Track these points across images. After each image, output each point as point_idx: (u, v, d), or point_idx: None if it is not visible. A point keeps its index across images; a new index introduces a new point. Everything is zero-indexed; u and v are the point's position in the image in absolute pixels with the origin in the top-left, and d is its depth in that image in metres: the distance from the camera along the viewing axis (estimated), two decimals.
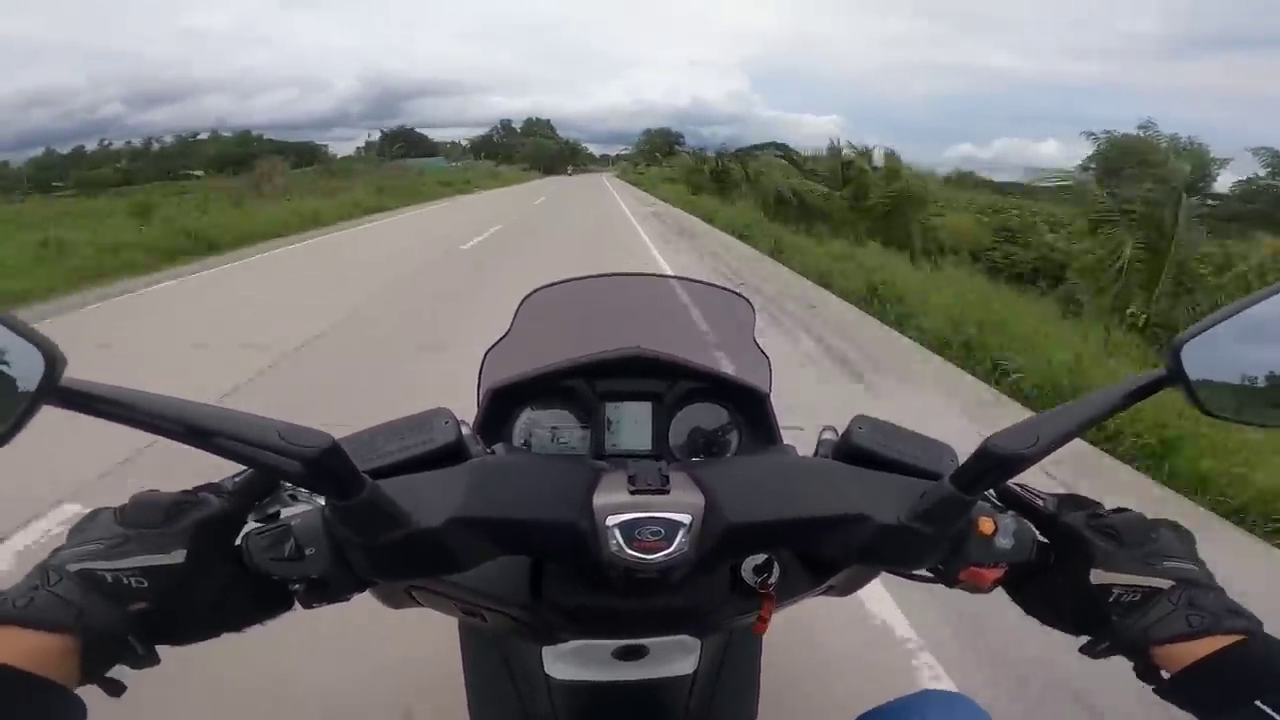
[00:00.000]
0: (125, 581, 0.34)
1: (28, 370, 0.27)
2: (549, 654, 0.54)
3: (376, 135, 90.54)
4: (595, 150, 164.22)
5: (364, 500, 0.34)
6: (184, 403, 0.31)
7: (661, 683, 0.57)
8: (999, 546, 0.43)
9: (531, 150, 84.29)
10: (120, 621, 0.34)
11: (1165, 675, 0.38)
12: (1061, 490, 0.44)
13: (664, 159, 56.75)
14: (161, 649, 0.36)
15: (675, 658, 0.55)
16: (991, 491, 0.46)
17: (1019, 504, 0.46)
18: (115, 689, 0.34)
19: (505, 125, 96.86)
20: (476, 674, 0.81)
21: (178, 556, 0.36)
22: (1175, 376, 0.35)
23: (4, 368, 0.28)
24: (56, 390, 0.28)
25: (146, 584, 0.35)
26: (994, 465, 0.36)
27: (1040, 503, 0.46)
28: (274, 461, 0.32)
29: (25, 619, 0.31)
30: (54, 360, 0.28)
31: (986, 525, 0.43)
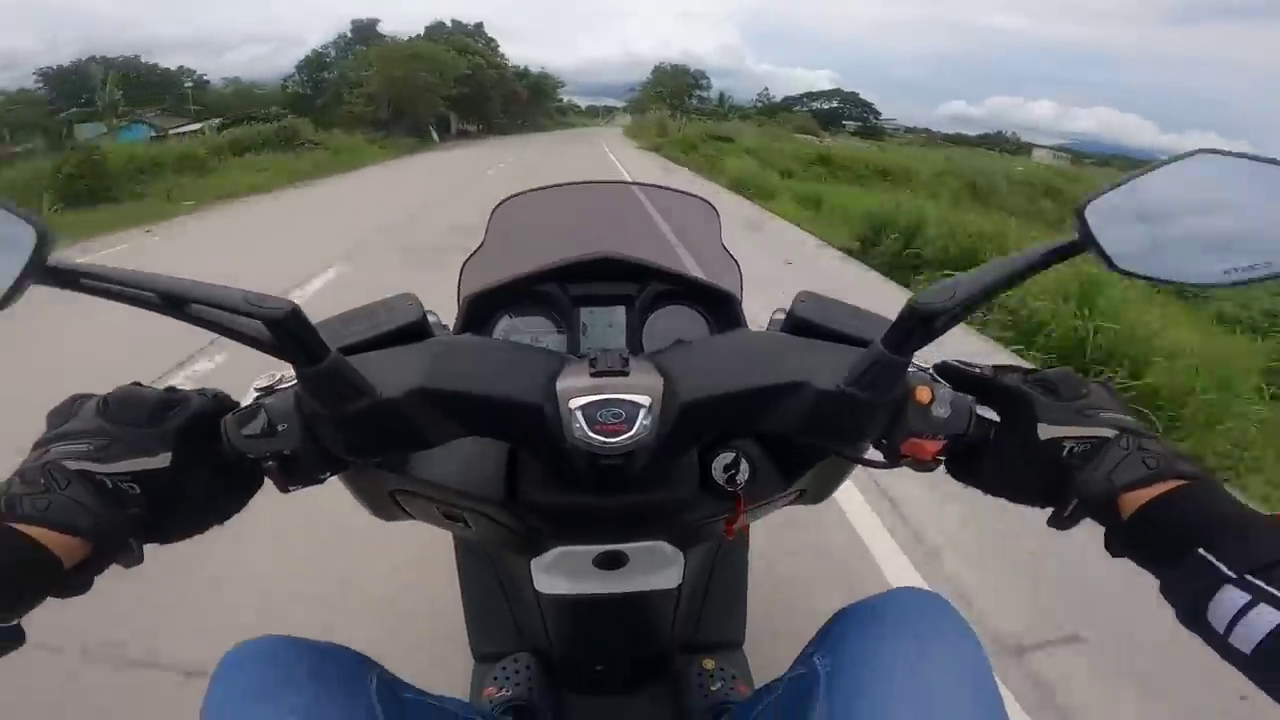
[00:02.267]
0: (122, 487, 0.44)
1: (19, 247, 0.35)
2: (536, 566, 0.65)
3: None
4: (581, 102, 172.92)
5: (328, 369, 0.44)
6: (159, 276, 0.40)
7: (646, 595, 0.68)
8: (936, 415, 0.52)
9: (403, 86, 41.52)
10: (124, 525, 0.44)
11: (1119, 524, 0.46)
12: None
13: (679, 111, 57.95)
14: (148, 546, 0.46)
15: (658, 569, 0.65)
16: (930, 369, 0.58)
17: (957, 376, 0.57)
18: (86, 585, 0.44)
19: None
20: (471, 592, 1.00)
21: (164, 459, 0.46)
22: (1085, 240, 0.44)
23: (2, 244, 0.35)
24: (45, 268, 0.36)
25: (138, 489, 0.45)
26: (918, 322, 0.46)
27: (977, 371, 0.57)
28: (241, 326, 0.42)
29: (49, 521, 0.40)
30: (44, 238, 0.36)
31: (923, 394, 0.52)
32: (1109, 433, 0.49)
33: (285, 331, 0.41)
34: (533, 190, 0.95)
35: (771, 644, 1.15)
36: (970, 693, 0.54)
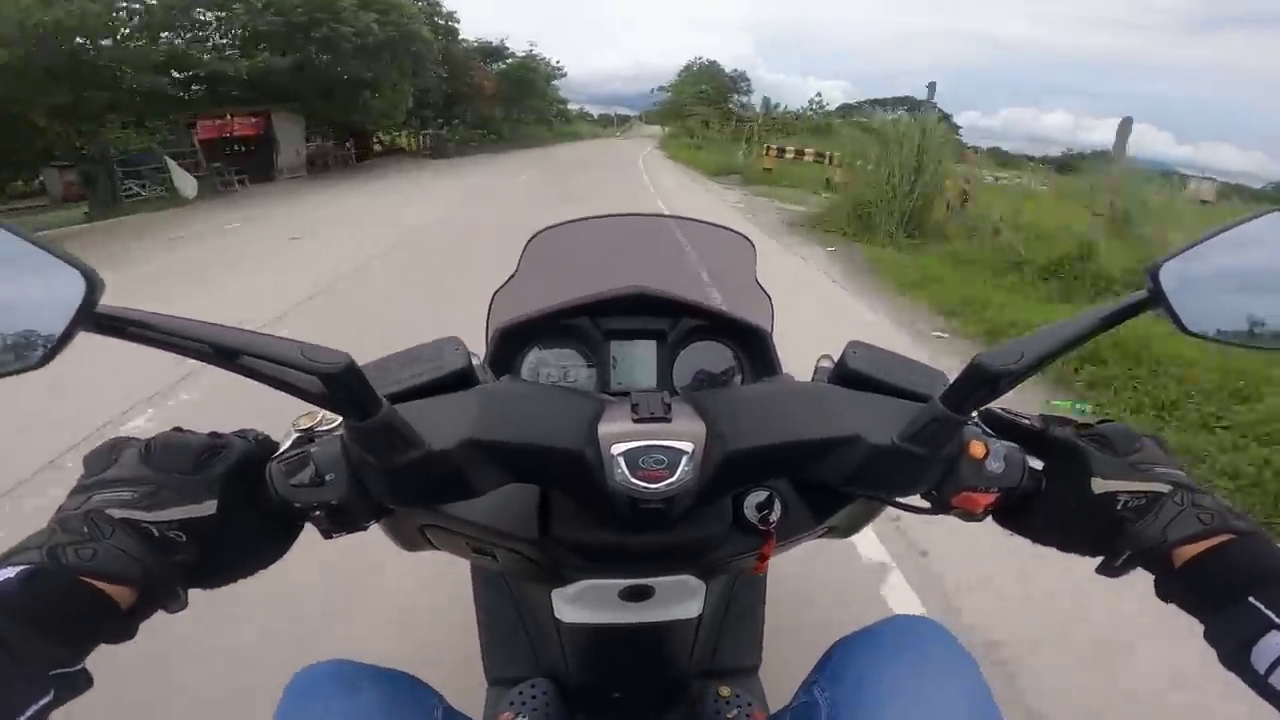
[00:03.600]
0: (169, 535, 0.49)
1: (68, 294, 0.38)
2: (558, 597, 0.73)
3: None
4: (594, 110, 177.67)
5: (380, 421, 0.48)
6: (211, 326, 0.44)
7: (668, 625, 0.76)
8: (990, 470, 0.58)
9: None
10: (171, 574, 0.49)
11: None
12: None
13: (714, 124, 49.96)
14: (192, 592, 0.52)
15: (681, 600, 0.73)
16: (979, 419, 0.65)
17: (1007, 427, 0.64)
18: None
19: None
20: (489, 620, 1.16)
21: (209, 507, 0.51)
22: (1156, 298, 0.49)
23: (46, 292, 0.38)
24: (93, 315, 0.39)
25: (185, 537, 0.50)
26: (981, 382, 0.51)
27: (1027, 422, 0.63)
28: (295, 380, 0.45)
29: (97, 572, 0.44)
30: (93, 285, 0.38)
31: (978, 449, 0.58)
32: (1164, 488, 0.55)
33: (341, 386, 0.45)
34: (567, 223, 1.07)
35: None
36: (968, 718, 0.62)
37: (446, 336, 0.64)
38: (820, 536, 0.77)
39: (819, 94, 58.27)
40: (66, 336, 0.38)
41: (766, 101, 73.08)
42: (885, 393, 0.62)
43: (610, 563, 0.67)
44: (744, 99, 79.62)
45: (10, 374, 0.40)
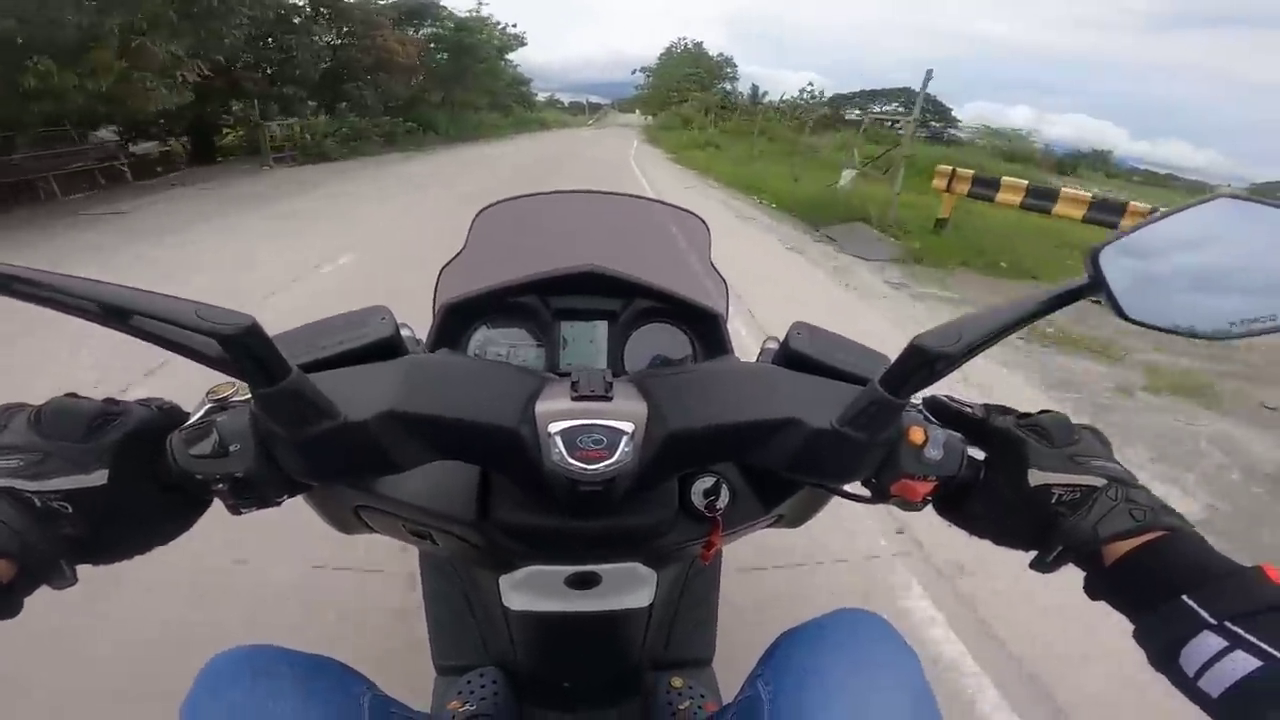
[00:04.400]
0: (52, 505, 0.47)
1: None
2: (505, 583, 0.71)
3: None
4: (564, 98, 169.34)
5: (288, 388, 0.46)
6: (101, 284, 0.41)
7: (618, 615, 0.75)
8: (929, 457, 0.58)
9: None
10: (55, 548, 0.47)
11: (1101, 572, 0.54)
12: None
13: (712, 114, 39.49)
14: (83, 568, 0.49)
15: (630, 589, 0.72)
16: (922, 405, 0.65)
17: (949, 415, 0.64)
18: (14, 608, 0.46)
19: None
20: (436, 606, 1.12)
21: (100, 477, 0.48)
22: (1096, 283, 0.50)
23: None
24: None
25: (70, 508, 0.47)
26: (920, 364, 0.50)
27: (969, 410, 0.63)
28: (191, 341, 0.42)
29: None
30: None
31: (917, 434, 0.58)
32: (1098, 482, 0.56)
33: (241, 349, 0.43)
34: (516, 198, 1.08)
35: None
36: (909, 711, 0.61)
37: (374, 305, 0.62)
38: (769, 526, 0.77)
39: (810, 83, 49.19)
40: None
41: (755, 90, 62.44)
42: (827, 375, 0.61)
43: (553, 548, 0.65)
44: (729, 86, 69.01)
45: None
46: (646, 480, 0.56)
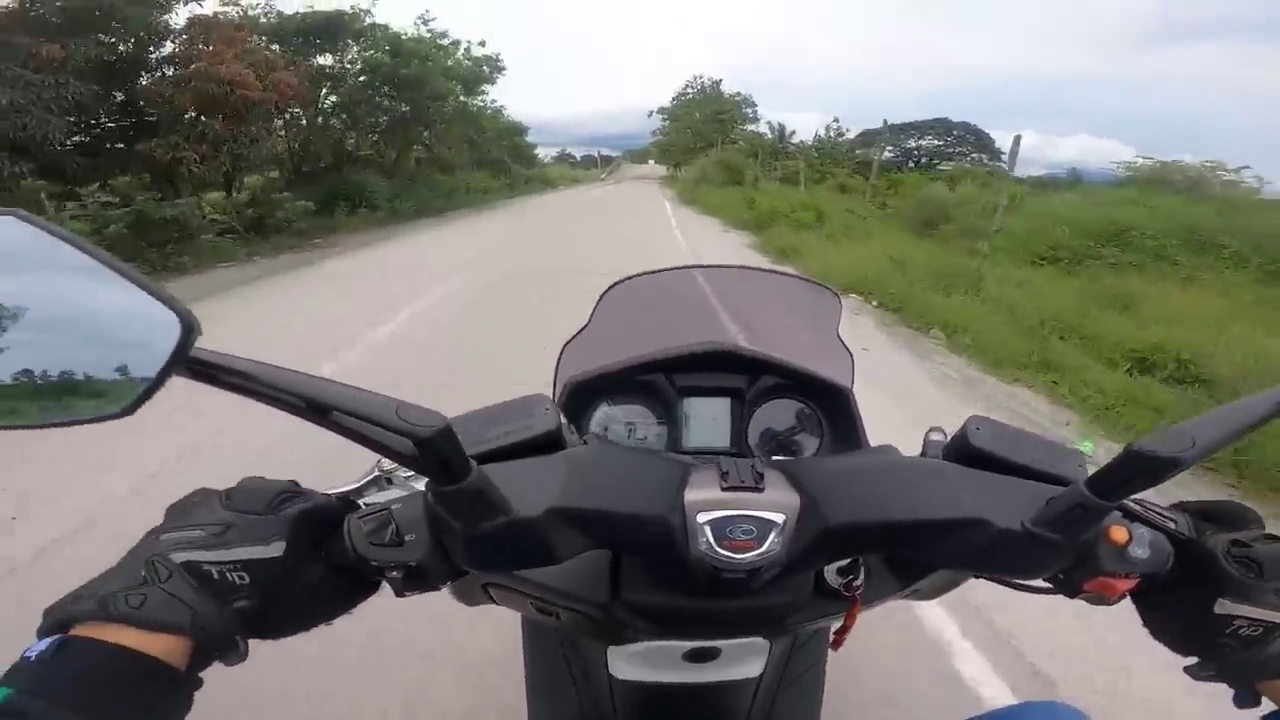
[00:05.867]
0: (229, 577, 0.48)
1: (165, 336, 0.38)
2: (614, 653, 0.72)
3: None
4: (576, 152, 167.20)
5: (469, 487, 0.47)
6: (306, 378, 0.43)
7: (726, 685, 0.74)
8: (1134, 556, 0.55)
9: None
10: (228, 620, 0.48)
11: (1268, 705, 0.52)
12: None
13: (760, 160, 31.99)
14: (252, 642, 0.50)
15: (744, 659, 0.72)
16: (1117, 510, 0.59)
17: (1146, 521, 0.59)
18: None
19: None
20: (537, 673, 1.05)
21: (276, 548, 0.50)
22: None
23: (142, 332, 0.38)
24: (188, 360, 0.39)
25: (248, 579, 0.49)
26: (1140, 470, 0.46)
27: (1173, 524, 0.58)
28: (387, 439, 0.44)
29: (143, 621, 0.44)
30: (190, 328, 0.38)
31: (1119, 534, 0.55)
32: None
33: (432, 449, 0.44)
34: (642, 274, 1.06)
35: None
36: None
37: (535, 394, 0.63)
38: (904, 598, 0.74)
39: (836, 119, 43.46)
40: (160, 381, 0.39)
41: (781, 129, 52.17)
42: (1012, 473, 0.58)
43: (680, 626, 0.65)
44: (752, 128, 59.40)
45: (96, 421, 0.40)
46: (795, 568, 0.56)
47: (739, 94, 61.89)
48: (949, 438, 0.64)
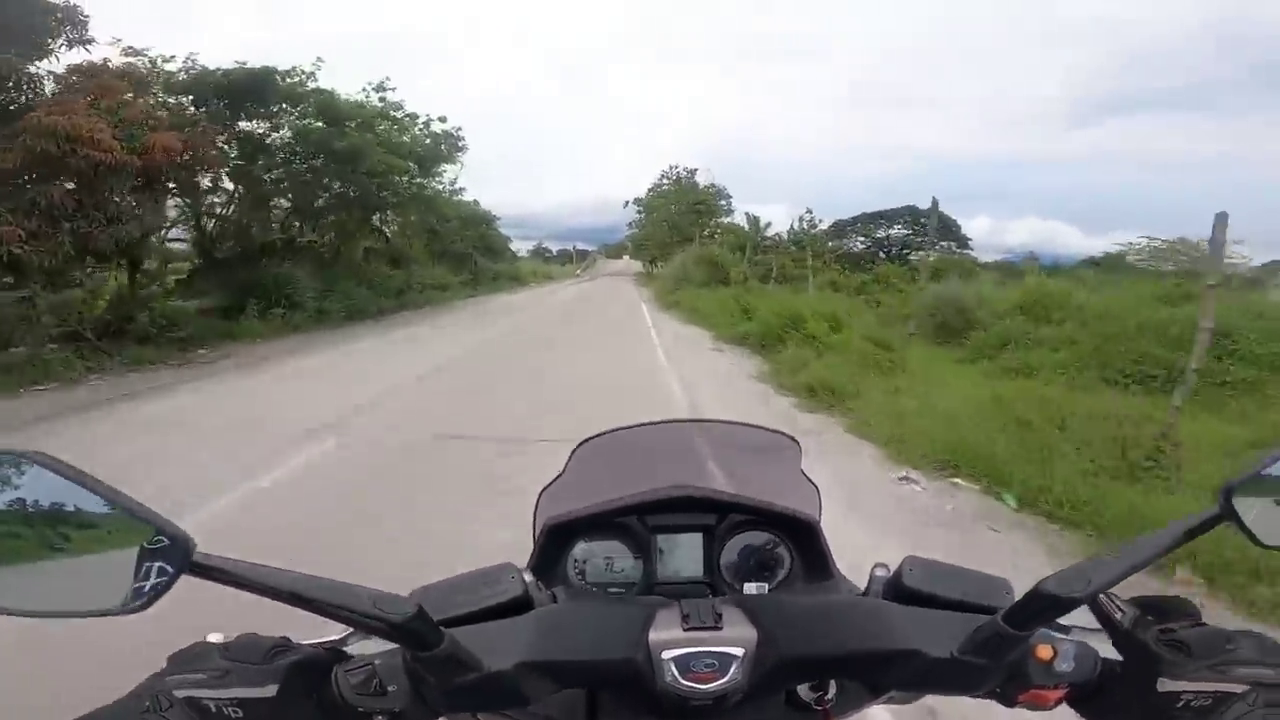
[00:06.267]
0: (226, 712, 0.52)
1: (166, 552, 0.47)
2: None
3: None
4: (553, 247, 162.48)
5: (441, 654, 0.53)
6: (294, 575, 0.51)
7: None
8: (1059, 670, 0.59)
9: None
10: None
11: None
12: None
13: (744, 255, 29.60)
14: None
15: None
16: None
17: (1098, 614, 0.63)
18: None
19: None
20: None
21: (270, 690, 0.54)
22: (1228, 514, 0.52)
23: (150, 550, 0.47)
24: (191, 565, 0.48)
25: (242, 714, 0.53)
26: (1045, 606, 0.53)
27: (1119, 615, 0.61)
28: (366, 624, 0.51)
29: None
30: (187, 543, 0.48)
31: (1045, 651, 0.59)
32: (1237, 688, 0.53)
33: (406, 629, 0.52)
34: (612, 430, 1.12)
35: None
36: None
37: (503, 563, 0.70)
38: (879, 704, 0.78)
39: (809, 210, 42.71)
40: (166, 587, 0.47)
41: (756, 221, 49.14)
42: (944, 607, 0.64)
43: None
44: (726, 220, 57.50)
45: (117, 614, 0.48)
46: (758, 694, 0.60)
47: (713, 185, 59.86)
48: (890, 573, 0.72)
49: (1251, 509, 0.52)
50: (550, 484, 1.10)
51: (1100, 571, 0.52)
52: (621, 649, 0.58)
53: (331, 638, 0.68)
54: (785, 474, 1.11)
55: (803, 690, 0.69)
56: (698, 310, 19.56)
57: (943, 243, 68.53)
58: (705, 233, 50.04)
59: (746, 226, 42.61)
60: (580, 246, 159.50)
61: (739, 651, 0.57)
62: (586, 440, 1.12)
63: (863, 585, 0.76)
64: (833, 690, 0.69)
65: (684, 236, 50.26)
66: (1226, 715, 0.52)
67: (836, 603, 0.71)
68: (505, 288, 39.36)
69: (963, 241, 70.65)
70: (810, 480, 1.10)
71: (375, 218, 21.61)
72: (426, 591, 0.65)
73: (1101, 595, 0.62)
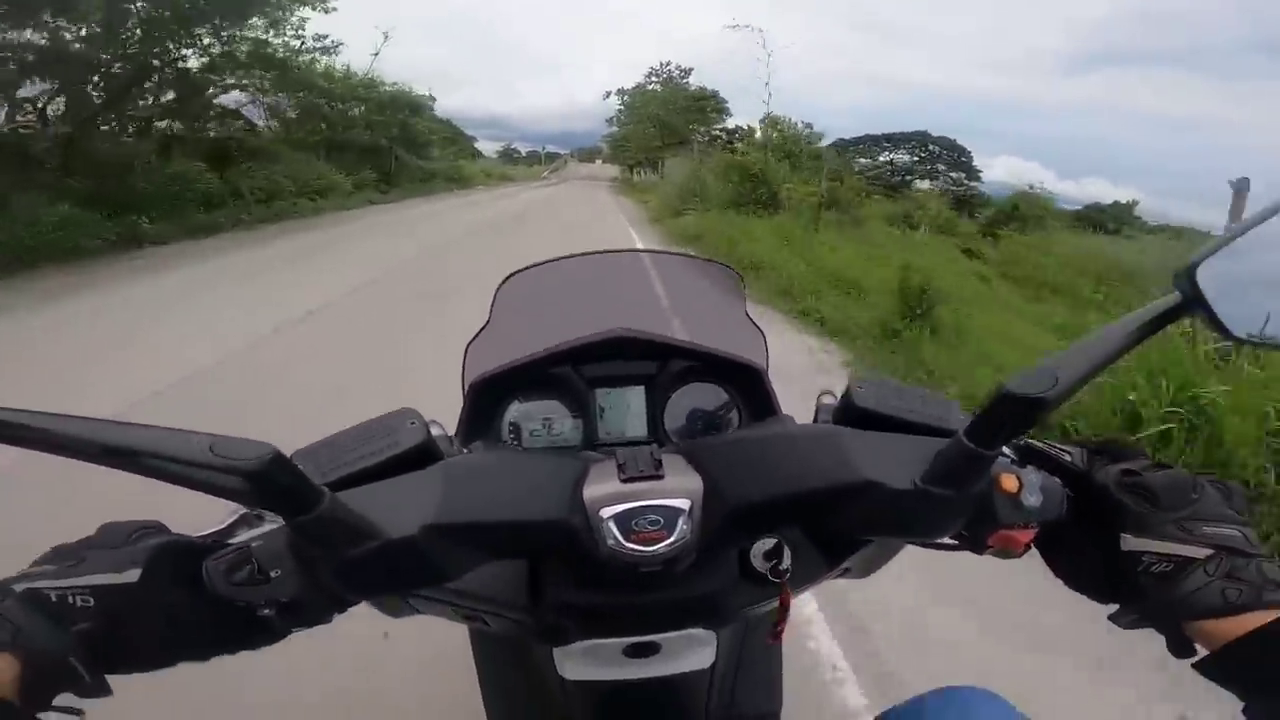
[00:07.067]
0: (70, 600, 0.45)
1: None
2: (559, 654, 0.67)
3: None
4: (522, 148, 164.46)
5: (322, 514, 0.44)
6: (103, 423, 0.39)
7: (680, 678, 0.71)
8: (1028, 505, 0.54)
9: None
10: (60, 642, 0.44)
11: (1202, 651, 0.49)
12: None
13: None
14: (115, 678, 0.47)
15: (691, 652, 0.68)
16: (1010, 452, 0.60)
17: (1045, 462, 0.59)
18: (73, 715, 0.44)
19: None
20: (490, 679, 1.02)
21: (131, 576, 0.47)
22: (1192, 301, 0.46)
23: None
24: None
25: (93, 603, 0.46)
26: (1012, 413, 0.46)
27: (1068, 457, 0.59)
28: (210, 479, 0.40)
29: None
30: None
31: (1009, 482, 0.54)
32: (1200, 552, 0.50)
33: (267, 482, 0.41)
34: (538, 264, 1.04)
35: None
36: None
37: (401, 409, 0.59)
38: (835, 578, 0.73)
39: (809, 124, 29.19)
40: None
41: (801, 127, 38.03)
42: (899, 430, 0.59)
43: (609, 623, 0.63)
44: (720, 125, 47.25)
45: None
46: (709, 553, 0.55)
47: (702, 87, 48.65)
48: (838, 399, 0.65)
49: (1217, 293, 0.45)
50: (477, 335, 0.99)
51: (1065, 369, 0.46)
52: (553, 508, 0.52)
53: (209, 530, 0.55)
54: (729, 314, 1.06)
55: (756, 559, 0.64)
56: (746, 256, 9.98)
57: (953, 173, 59.89)
58: (706, 137, 41.17)
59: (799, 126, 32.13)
60: (551, 149, 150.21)
61: (684, 504, 0.52)
62: (511, 276, 1.02)
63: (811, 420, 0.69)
64: (788, 559, 0.64)
65: (678, 138, 41.00)
66: (1184, 585, 0.50)
67: (785, 434, 0.61)
68: (440, 191, 29.54)
69: (974, 174, 60.86)
70: (754, 323, 1.04)
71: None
72: (301, 453, 0.54)
73: (1044, 444, 0.60)
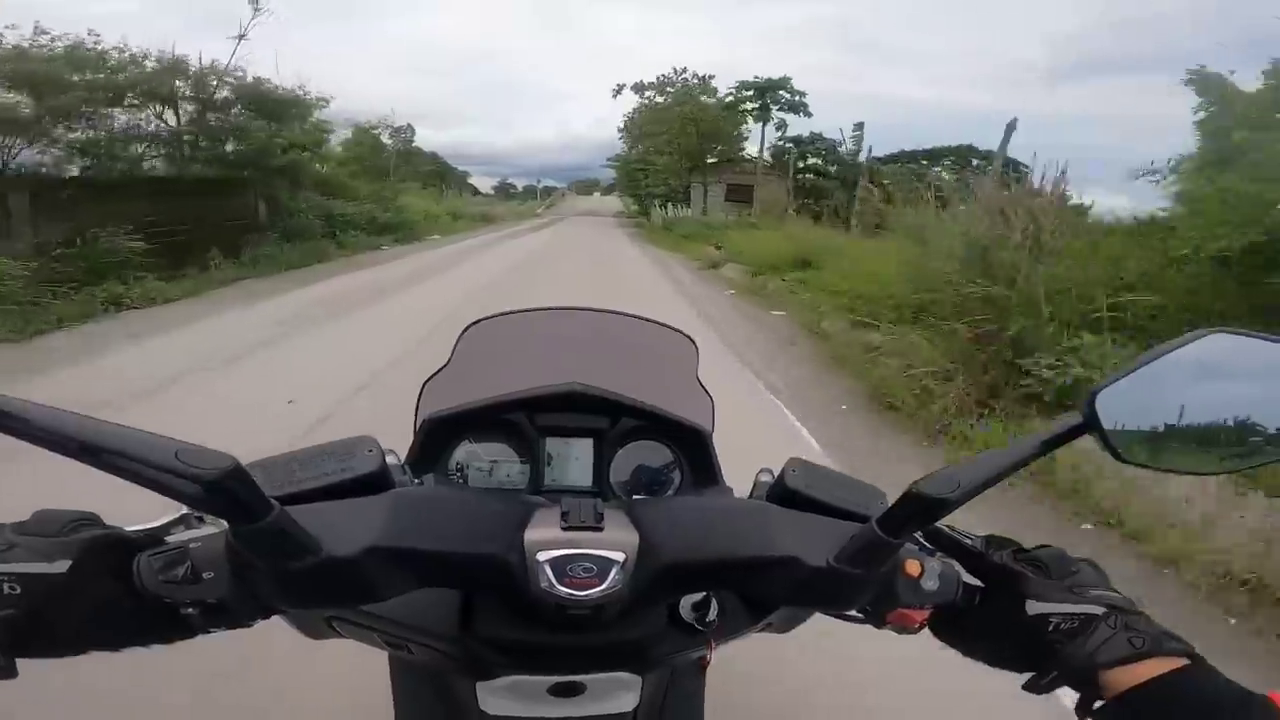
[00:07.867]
0: None
1: None
2: (483, 689, 0.67)
3: None
4: (518, 183, 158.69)
5: (268, 526, 0.45)
6: (78, 418, 0.41)
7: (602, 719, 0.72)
8: (925, 588, 0.60)
9: None
10: None
11: (1103, 701, 0.53)
12: None
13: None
14: (25, 662, 0.47)
15: (615, 695, 0.69)
16: (920, 535, 0.65)
17: (947, 544, 0.65)
18: None
19: None
20: (407, 711, 0.98)
21: (60, 566, 0.47)
22: (1091, 424, 0.51)
23: None
24: None
25: (19, 590, 0.46)
26: (918, 510, 0.52)
27: (969, 542, 0.64)
28: (169, 483, 0.41)
29: None
30: None
31: (913, 567, 0.60)
32: (1097, 610, 0.55)
33: (221, 491, 0.43)
34: (502, 314, 1.07)
35: None
36: None
37: (360, 435, 0.61)
38: (758, 632, 0.75)
39: (856, 128, 29.64)
40: None
41: (832, 141, 29.05)
42: (824, 512, 0.62)
43: (536, 661, 0.64)
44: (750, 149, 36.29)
45: None
46: (638, 604, 0.56)
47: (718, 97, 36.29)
48: (774, 478, 0.69)
49: (1114, 419, 0.50)
50: (435, 374, 1.01)
51: (967, 476, 0.50)
52: (492, 544, 0.53)
53: (147, 525, 0.57)
54: (681, 379, 1.09)
55: (685, 611, 0.66)
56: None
57: (1005, 193, 49.66)
58: (733, 155, 33.57)
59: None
60: (548, 183, 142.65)
61: (619, 556, 0.53)
62: (475, 323, 1.04)
63: (748, 494, 0.73)
64: (714, 612, 0.66)
65: (693, 163, 32.67)
66: (1094, 636, 0.53)
67: (719, 506, 0.66)
68: (334, 259, 15.24)
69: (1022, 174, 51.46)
70: (704, 388, 1.08)
71: None
72: (257, 465, 0.54)
73: (945, 528, 0.64)
